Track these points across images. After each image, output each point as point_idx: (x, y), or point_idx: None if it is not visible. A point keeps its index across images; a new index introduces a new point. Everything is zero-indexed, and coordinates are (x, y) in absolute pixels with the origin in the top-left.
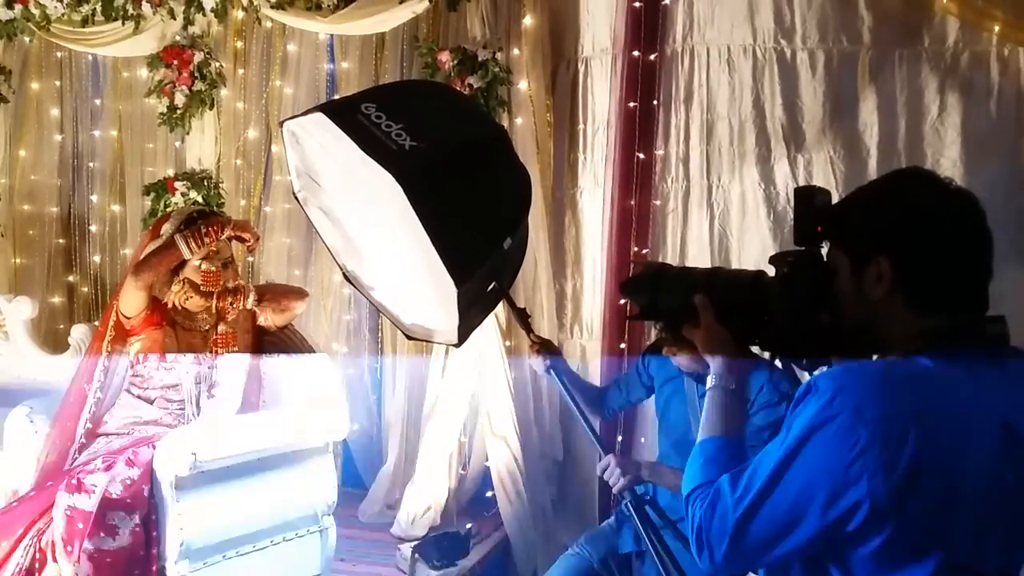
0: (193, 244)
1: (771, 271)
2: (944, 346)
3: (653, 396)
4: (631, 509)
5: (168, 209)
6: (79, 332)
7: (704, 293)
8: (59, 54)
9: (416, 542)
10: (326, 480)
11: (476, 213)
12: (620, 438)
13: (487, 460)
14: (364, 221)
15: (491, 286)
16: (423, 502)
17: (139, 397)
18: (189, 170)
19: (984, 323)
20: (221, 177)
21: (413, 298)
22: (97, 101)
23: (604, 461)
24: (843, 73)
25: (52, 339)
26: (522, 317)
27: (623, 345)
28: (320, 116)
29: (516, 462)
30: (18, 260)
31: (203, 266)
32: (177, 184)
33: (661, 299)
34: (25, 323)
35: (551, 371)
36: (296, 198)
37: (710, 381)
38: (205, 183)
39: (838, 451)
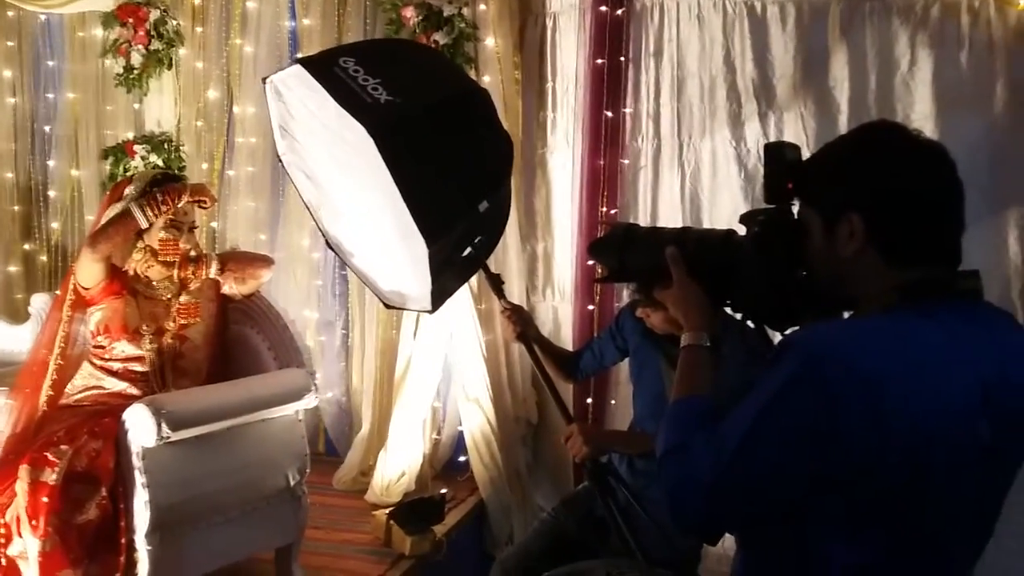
0: (150, 212)
1: (742, 230)
2: (918, 301)
3: (626, 359)
4: (591, 478)
5: (128, 173)
6: (39, 301)
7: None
8: (11, 14)
9: (391, 508)
10: (296, 448)
11: (450, 172)
12: (591, 400)
13: (461, 424)
14: (343, 181)
15: (467, 251)
16: (397, 468)
17: (101, 368)
18: (148, 133)
19: (958, 277)
20: (182, 140)
21: (389, 263)
22: (51, 63)
23: (567, 430)
24: (814, 27)
25: (11, 309)
26: (495, 283)
27: (593, 307)
28: (298, 69)
29: (490, 425)
30: None
31: (162, 234)
32: (136, 147)
33: (630, 260)
34: None
35: (522, 338)
36: (280, 161)
37: (683, 340)
38: (165, 146)
39: (813, 410)
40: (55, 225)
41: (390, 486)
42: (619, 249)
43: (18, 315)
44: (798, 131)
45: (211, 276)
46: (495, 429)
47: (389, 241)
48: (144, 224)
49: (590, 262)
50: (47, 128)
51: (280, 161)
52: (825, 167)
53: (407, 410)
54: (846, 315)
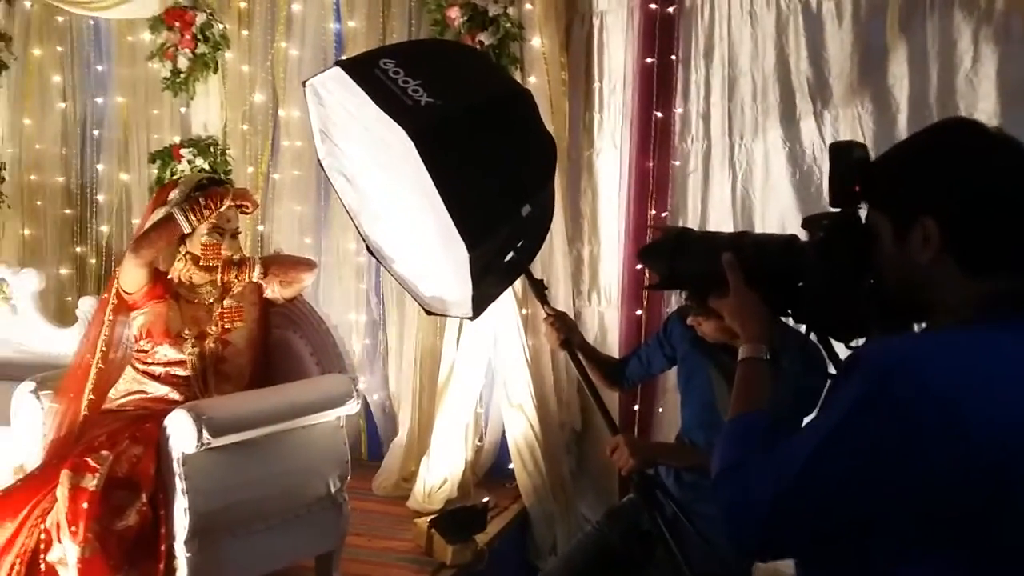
0: (193, 217)
1: (803, 235)
2: (1003, 314)
3: (674, 367)
4: (638, 492)
5: (175, 177)
6: (86, 304)
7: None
8: (60, 19)
9: (432, 516)
10: (338, 454)
11: (493, 175)
12: (638, 407)
13: (504, 431)
14: (384, 185)
15: (509, 256)
16: (439, 475)
17: (144, 372)
18: (195, 136)
19: None
20: (227, 143)
21: (430, 268)
22: (100, 67)
23: (612, 441)
24: (871, 23)
25: (62, 312)
26: (539, 289)
27: (641, 312)
28: (337, 71)
29: (534, 432)
30: (26, 231)
31: (204, 239)
32: (183, 151)
33: (682, 266)
34: (33, 295)
35: (566, 345)
36: (321, 165)
37: (741, 352)
38: (211, 150)
39: (884, 432)
40: (104, 229)
41: (432, 493)
42: (671, 254)
43: (68, 318)
44: (855, 131)
45: (254, 280)
46: (539, 436)
47: (430, 246)
48: (187, 229)
49: (639, 267)
50: (96, 132)
51: (320, 164)
52: (896, 167)
53: (450, 416)
54: (917, 328)
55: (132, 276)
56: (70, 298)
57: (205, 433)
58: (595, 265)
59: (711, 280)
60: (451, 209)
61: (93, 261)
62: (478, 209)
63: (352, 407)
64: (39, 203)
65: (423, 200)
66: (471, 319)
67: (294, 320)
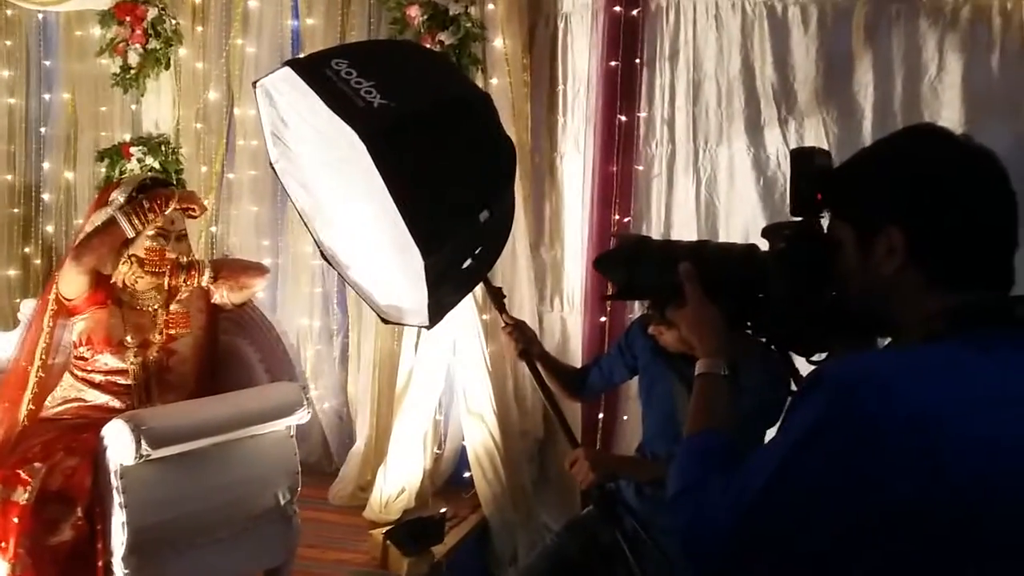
0: (137, 221)
1: (764, 245)
2: (968, 329)
3: (636, 377)
4: (597, 506)
5: (122, 176)
6: (28, 307)
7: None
8: (9, 12)
9: (388, 527)
10: (287, 466)
11: (448, 180)
12: (602, 416)
13: (463, 439)
14: (337, 189)
15: (467, 263)
16: (396, 484)
17: (83, 380)
18: (145, 134)
19: (1014, 303)
20: (180, 142)
21: (386, 276)
22: (48, 62)
23: (572, 455)
24: (837, 29)
25: (7, 314)
26: (497, 297)
27: (605, 319)
28: (287, 71)
29: (494, 441)
30: None
31: (148, 243)
32: (133, 149)
33: (640, 276)
34: None
35: (524, 355)
36: (273, 168)
37: (699, 367)
38: (163, 148)
39: (847, 451)
40: (49, 228)
41: (389, 503)
42: (629, 263)
43: (12, 321)
44: (820, 138)
45: (203, 285)
46: (499, 444)
47: (385, 253)
48: (131, 234)
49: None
50: (43, 129)
51: (272, 168)
52: (860, 174)
53: (408, 424)
54: (881, 343)
55: (73, 283)
56: (18, 299)
57: (144, 444)
58: (558, 270)
59: (669, 291)
60: (405, 215)
61: (39, 262)
62: (433, 215)
63: (302, 416)
64: None
65: (376, 205)
66: (427, 328)
67: (243, 326)
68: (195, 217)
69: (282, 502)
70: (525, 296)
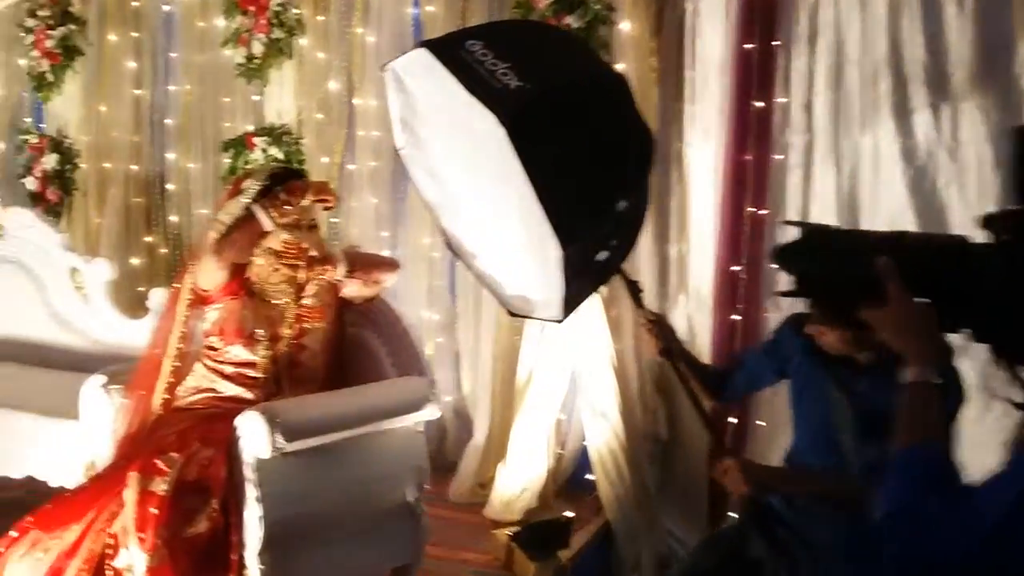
0: (274, 213)
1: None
2: None
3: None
4: (750, 520)
5: (248, 166)
6: (158, 296)
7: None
8: (135, 3)
9: (513, 529)
10: (416, 462)
11: (587, 165)
12: (734, 420)
13: (585, 440)
14: (467, 175)
15: (602, 254)
16: (518, 483)
17: (213, 370)
18: (268, 125)
19: None
20: (301, 132)
21: (515, 266)
22: (172, 54)
23: (723, 464)
24: (996, 7)
25: (133, 302)
26: (634, 291)
27: (736, 317)
28: (422, 53)
29: (618, 441)
30: (99, 220)
31: (284, 236)
32: (256, 140)
33: (821, 269)
34: (104, 285)
35: (666, 354)
36: (399, 154)
37: (909, 374)
38: (285, 139)
39: None
40: (173, 218)
41: (511, 502)
42: (813, 255)
43: (139, 309)
44: (975, 125)
45: (337, 279)
46: (624, 445)
47: (517, 242)
48: (269, 227)
49: (733, 268)
50: (166, 120)
51: (399, 154)
52: None
53: (530, 422)
54: None
55: (212, 276)
56: (142, 288)
57: (279, 437)
58: (684, 265)
59: (858, 287)
60: (543, 202)
61: (164, 251)
62: (572, 203)
63: (431, 412)
64: (112, 191)
65: (512, 193)
66: (558, 322)
67: (370, 319)
68: (329, 208)
69: (411, 499)
70: (648, 292)
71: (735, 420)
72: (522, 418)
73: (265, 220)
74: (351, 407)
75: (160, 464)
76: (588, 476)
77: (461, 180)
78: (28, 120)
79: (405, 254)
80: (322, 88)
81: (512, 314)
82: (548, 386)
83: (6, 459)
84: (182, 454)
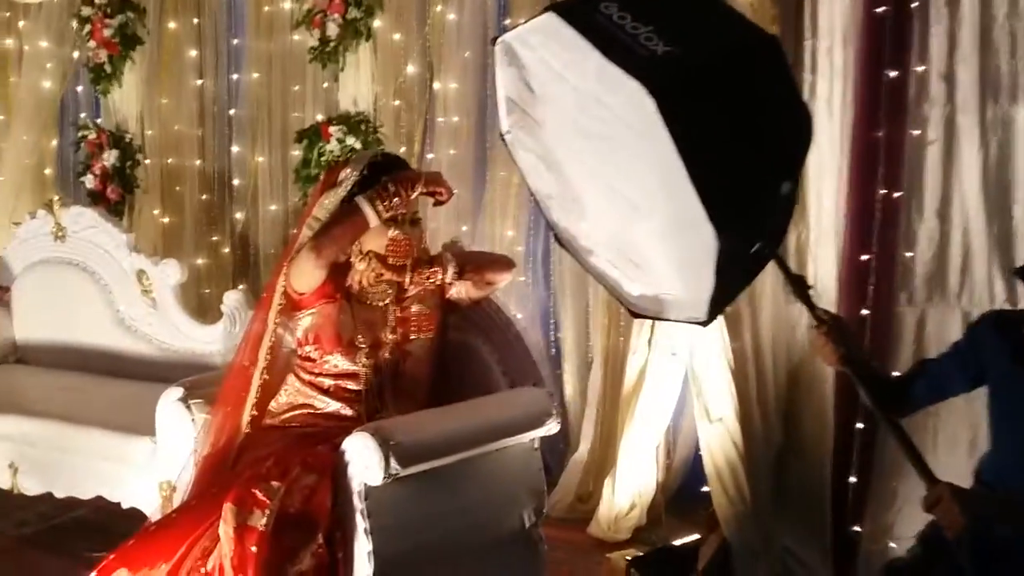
0: (381, 207)
1: None
2: None
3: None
4: (973, 559)
5: (323, 158)
6: (232, 299)
7: None
8: None
9: (630, 555)
10: (533, 484)
11: (750, 141)
12: (860, 425)
13: (698, 448)
14: (592, 159)
15: (757, 245)
16: (626, 499)
17: (309, 383)
18: (343, 112)
19: None
20: (379, 120)
21: (647, 260)
22: (236, 41)
23: (933, 494)
24: None
25: (197, 305)
26: (800, 286)
27: (866, 312)
28: (550, 18)
29: (737, 450)
30: (163, 219)
31: (391, 232)
32: (332, 129)
33: None
34: (173, 288)
35: (846, 362)
36: (503, 139)
37: None
38: (363, 127)
39: None
40: (238, 215)
41: (619, 520)
42: None
43: (205, 312)
44: None
45: (448, 280)
46: (742, 455)
47: (654, 233)
48: (375, 222)
49: (864, 257)
50: (230, 111)
51: (503, 139)
52: None
53: (640, 431)
54: None
55: (309, 278)
56: (207, 290)
57: (393, 462)
58: (803, 254)
59: None
60: (698, 184)
61: (227, 250)
62: (732, 185)
63: (551, 427)
64: (177, 188)
65: (654, 174)
66: (702, 324)
67: (476, 322)
68: (442, 202)
69: (527, 524)
70: (765, 286)
71: (861, 425)
72: (632, 427)
73: (371, 214)
74: (470, 425)
75: (259, 494)
76: (703, 489)
77: (580, 165)
78: (84, 115)
79: (486, 249)
80: (400, 72)
81: (636, 315)
82: (659, 390)
83: (73, 478)
84: (283, 482)
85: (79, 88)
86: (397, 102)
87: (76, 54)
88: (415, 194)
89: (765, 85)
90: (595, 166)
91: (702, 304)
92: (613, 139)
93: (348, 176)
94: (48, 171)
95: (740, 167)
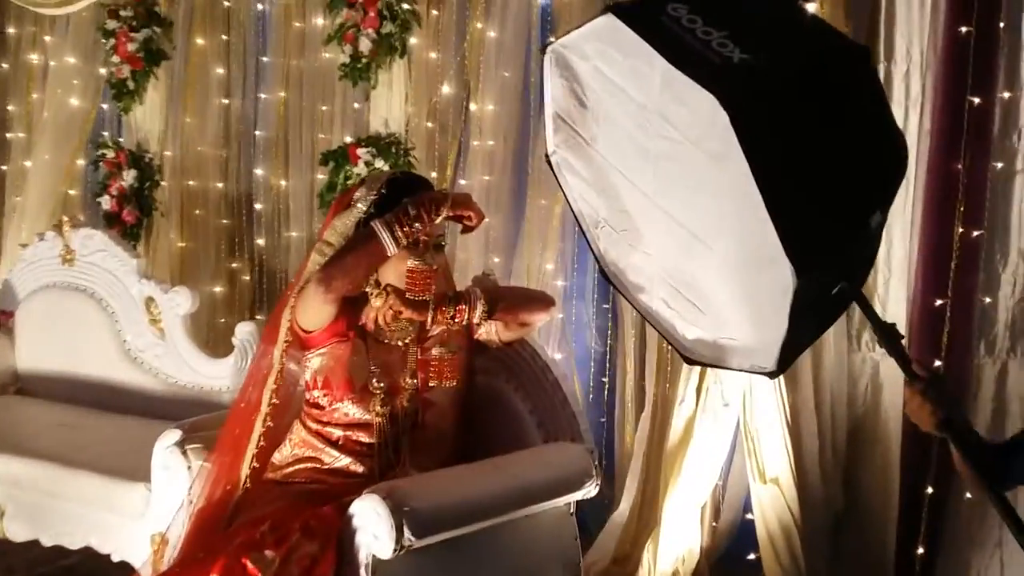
0: (400, 233)
1: None
2: None
3: None
4: None
5: (349, 181)
6: (244, 331)
7: None
8: (227, 4)
9: None
10: (568, 554)
11: (837, 166)
12: (931, 490)
13: (747, 511)
14: (649, 183)
15: (839, 285)
16: (668, 564)
17: (317, 434)
18: (374, 134)
19: None
20: (410, 142)
21: (707, 300)
22: (266, 59)
23: None
24: None
25: (212, 336)
26: (891, 336)
27: (939, 363)
28: (609, 20)
29: (791, 515)
30: (181, 244)
31: (410, 262)
32: (360, 151)
33: None
34: (183, 318)
35: (945, 427)
36: (548, 160)
37: None
38: (393, 150)
39: None
40: (260, 241)
41: None
42: None
43: (219, 344)
44: None
45: (476, 321)
46: (797, 520)
47: (714, 269)
48: (392, 251)
49: (938, 302)
50: (255, 132)
51: (547, 160)
52: None
53: (686, 489)
54: None
55: (316, 314)
56: (223, 319)
57: (407, 532)
58: (868, 298)
59: None
60: (776, 212)
61: (247, 278)
62: (815, 216)
63: (591, 489)
64: (197, 212)
65: (719, 202)
66: (771, 375)
67: (508, 366)
68: (471, 228)
69: None
70: (828, 333)
71: (931, 490)
72: (678, 484)
73: (389, 242)
74: (497, 487)
75: (249, 565)
76: (750, 556)
77: (638, 190)
78: (105, 134)
79: (521, 284)
80: (435, 92)
81: (690, 362)
82: (708, 444)
83: (63, 526)
84: (278, 552)
85: (104, 106)
86: (430, 124)
87: (103, 71)
88: (440, 218)
89: (857, 101)
90: (653, 191)
91: (772, 352)
92: (676, 160)
93: (363, 196)
94: (73, 192)
95: (826, 195)
